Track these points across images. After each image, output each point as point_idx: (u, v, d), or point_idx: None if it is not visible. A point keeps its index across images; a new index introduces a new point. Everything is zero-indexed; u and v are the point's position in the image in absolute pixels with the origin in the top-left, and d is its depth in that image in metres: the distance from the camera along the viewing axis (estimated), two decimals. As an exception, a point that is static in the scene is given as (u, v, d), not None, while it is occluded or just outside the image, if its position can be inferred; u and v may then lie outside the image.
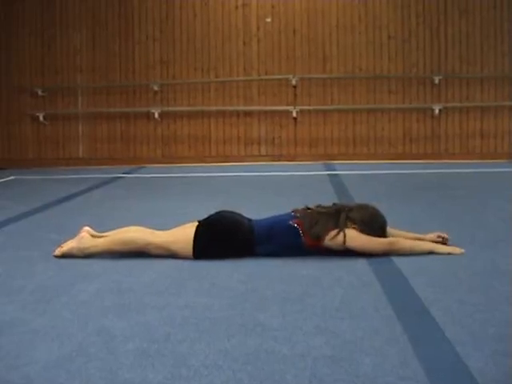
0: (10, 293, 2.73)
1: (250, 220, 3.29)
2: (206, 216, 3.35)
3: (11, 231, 4.25)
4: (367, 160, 8.60)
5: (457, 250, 3.25)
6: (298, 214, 3.25)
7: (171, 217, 4.23)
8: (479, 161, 8.33)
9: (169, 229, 3.39)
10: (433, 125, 8.76)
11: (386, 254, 3.19)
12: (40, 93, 9.15)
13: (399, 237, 3.31)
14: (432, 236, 3.36)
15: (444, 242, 3.34)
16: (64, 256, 3.34)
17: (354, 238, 3.15)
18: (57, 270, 3.11)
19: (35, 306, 2.52)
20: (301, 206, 3.34)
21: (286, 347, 2.02)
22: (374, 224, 3.23)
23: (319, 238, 3.15)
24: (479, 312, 2.31)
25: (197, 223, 3.28)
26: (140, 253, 3.28)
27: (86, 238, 3.36)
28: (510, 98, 8.58)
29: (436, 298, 2.48)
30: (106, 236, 3.40)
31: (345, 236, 3.13)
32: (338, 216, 3.21)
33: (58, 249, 3.39)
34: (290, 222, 3.19)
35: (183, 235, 3.25)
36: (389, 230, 3.33)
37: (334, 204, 3.38)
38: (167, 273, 3.00)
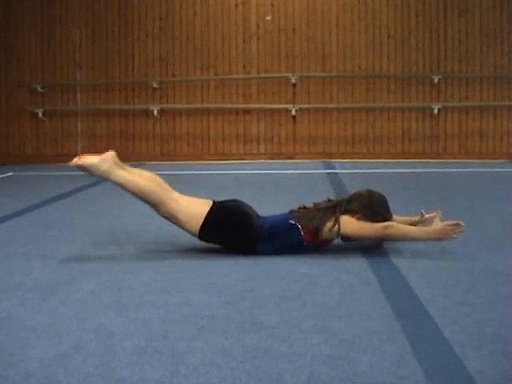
0: (7, 289, 2.72)
1: (259, 217, 3.28)
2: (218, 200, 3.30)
3: (9, 228, 4.24)
4: (366, 159, 8.60)
5: (449, 232, 3.08)
6: (297, 213, 3.25)
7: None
8: (478, 160, 8.34)
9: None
10: (432, 124, 8.77)
11: (382, 238, 3.24)
12: (39, 89, 9.14)
13: (399, 222, 3.28)
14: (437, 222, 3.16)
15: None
16: (79, 167, 3.22)
17: (348, 223, 3.15)
18: (54, 267, 3.10)
19: (33, 303, 2.51)
20: (298, 206, 3.34)
21: (284, 345, 2.01)
22: (374, 203, 3.23)
23: (318, 229, 3.14)
24: (477, 312, 2.31)
25: (211, 203, 3.23)
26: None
27: (109, 161, 3.21)
28: (510, 97, 8.59)
29: (434, 298, 2.48)
30: (127, 170, 3.28)
31: (339, 223, 3.12)
32: (335, 209, 3.21)
33: (76, 159, 3.23)
34: (290, 221, 3.20)
35: (196, 210, 3.18)
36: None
37: (329, 200, 3.36)
38: (165, 271, 2.99)
